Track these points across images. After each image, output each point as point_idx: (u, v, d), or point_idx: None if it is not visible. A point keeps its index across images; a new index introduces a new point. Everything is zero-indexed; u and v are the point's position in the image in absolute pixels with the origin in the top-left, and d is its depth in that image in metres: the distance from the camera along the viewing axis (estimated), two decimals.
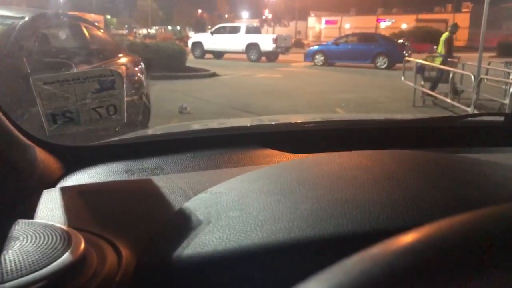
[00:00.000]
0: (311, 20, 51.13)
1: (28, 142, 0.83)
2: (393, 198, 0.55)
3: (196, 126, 1.55)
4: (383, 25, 44.29)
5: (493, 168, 0.71)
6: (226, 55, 20.89)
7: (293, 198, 0.58)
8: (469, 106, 6.61)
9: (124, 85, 0.80)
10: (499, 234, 0.27)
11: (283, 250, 0.50)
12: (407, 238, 0.27)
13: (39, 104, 0.74)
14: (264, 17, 48.73)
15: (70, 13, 6.53)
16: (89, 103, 0.78)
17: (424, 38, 30.56)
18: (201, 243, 0.54)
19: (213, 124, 1.63)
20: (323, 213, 0.53)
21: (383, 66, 17.01)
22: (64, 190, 0.76)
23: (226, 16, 54.41)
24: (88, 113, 0.79)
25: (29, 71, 3.45)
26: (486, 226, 0.28)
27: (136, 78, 5.20)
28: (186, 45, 19.80)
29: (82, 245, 0.51)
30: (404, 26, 39.29)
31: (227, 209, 0.60)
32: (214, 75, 12.85)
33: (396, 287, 0.24)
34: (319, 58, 18.33)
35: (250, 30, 21.27)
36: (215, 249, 0.52)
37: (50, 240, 0.52)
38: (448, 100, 7.56)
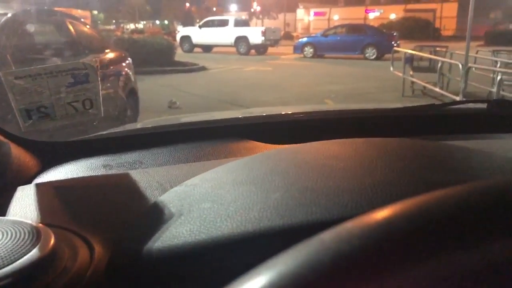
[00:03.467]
0: (300, 12, 51.03)
1: (2, 139, 0.82)
2: (362, 185, 0.55)
3: (177, 120, 1.53)
4: (371, 15, 44.31)
5: (467, 154, 0.71)
6: (215, 49, 20.82)
7: (265, 188, 0.58)
8: (457, 95, 6.65)
9: (99, 78, 0.78)
10: (457, 213, 0.27)
11: (253, 240, 0.49)
12: (384, 213, 0.28)
13: (12, 100, 0.72)
14: (252, 9, 48.59)
15: (56, 9, 6.45)
16: (64, 97, 0.77)
17: (412, 29, 30.68)
18: (171, 235, 0.53)
19: (195, 117, 1.62)
20: (293, 202, 0.53)
21: (372, 57, 17.05)
22: (38, 186, 0.75)
23: (214, 9, 54.18)
24: (63, 107, 0.78)
25: (13, 68, 3.42)
26: (444, 206, 0.28)
27: (123, 73, 5.16)
28: (175, 40, 19.70)
29: (52, 241, 0.50)
30: (393, 16, 39.33)
31: (199, 201, 0.59)
32: (203, 69, 12.80)
33: (342, 272, 0.24)
34: (309, 50, 18.33)
35: (238, 23, 21.20)
36: (185, 241, 0.51)
37: (18, 236, 0.51)
38: (437, 90, 7.60)
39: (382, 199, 0.52)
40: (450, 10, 40.14)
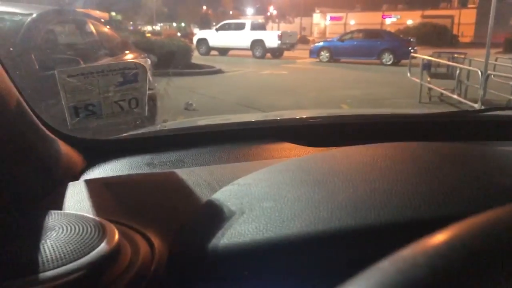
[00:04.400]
0: (316, 17, 50.90)
1: (52, 135, 0.84)
2: (432, 188, 0.55)
3: (212, 120, 1.55)
4: (388, 21, 44.05)
5: None
6: (231, 52, 20.85)
7: (329, 189, 0.58)
8: (476, 102, 6.58)
9: (147, 79, 0.80)
10: None
11: (323, 240, 0.49)
12: (443, 236, 0.27)
13: (63, 97, 0.75)
14: (269, 13, 48.59)
15: (78, 9, 6.53)
16: (111, 96, 0.79)
17: (430, 35, 30.40)
18: (237, 233, 0.53)
19: (230, 118, 1.63)
20: (361, 203, 0.53)
21: (389, 63, 16.93)
22: (88, 182, 0.77)
23: (231, 12, 54.32)
24: (110, 106, 0.80)
25: (37, 67, 3.47)
26: None
27: None
28: (191, 42, 19.77)
29: (117, 236, 0.52)
30: (409, 22, 39.06)
31: (259, 199, 0.59)
32: (219, 71, 12.84)
33: None
34: (325, 54, 18.27)
35: (255, 27, 21.21)
36: (252, 239, 0.51)
37: (84, 231, 0.52)
38: (455, 96, 7.52)
39: (454, 203, 0.52)
40: (468, 17, 39.71)
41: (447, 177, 0.59)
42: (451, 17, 40.68)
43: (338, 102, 7.96)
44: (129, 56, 5.24)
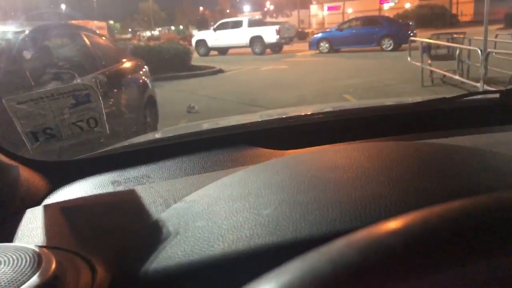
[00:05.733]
0: (313, 8, 50.74)
1: (10, 162, 0.83)
2: (352, 197, 0.55)
3: (184, 130, 1.54)
4: (386, 6, 43.72)
5: (464, 156, 0.69)
6: (230, 51, 20.86)
7: (257, 204, 0.58)
8: (478, 82, 6.51)
9: (100, 97, 0.79)
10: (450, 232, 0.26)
11: (244, 260, 0.49)
12: (360, 235, 0.27)
13: (17, 124, 0.74)
14: (266, 8, 48.55)
15: (70, 22, 6.56)
16: (67, 118, 0.78)
17: (428, 17, 30.16)
18: (167, 256, 0.53)
19: (203, 126, 1.62)
20: (283, 218, 0.53)
21: (389, 48, 16.85)
22: (47, 207, 0.76)
23: (228, 11, 54.29)
24: (68, 127, 0.79)
25: (33, 84, 3.48)
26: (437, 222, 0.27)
27: (140, 81, 5.22)
28: (190, 44, 19.81)
29: (53, 266, 0.51)
30: (407, 5, 38.75)
31: (194, 218, 0.59)
32: (220, 71, 12.85)
33: (343, 285, 0.24)
34: (324, 45, 18.23)
35: (252, 23, 21.19)
36: (179, 262, 0.52)
37: (19, 263, 0.51)
38: (457, 77, 7.46)
39: (371, 212, 0.51)
40: None
41: (371, 183, 0.58)
42: None
43: (340, 93, 7.93)
44: (126, 65, 5.25)
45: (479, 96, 1.31)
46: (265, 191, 0.61)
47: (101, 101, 0.80)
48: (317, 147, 0.99)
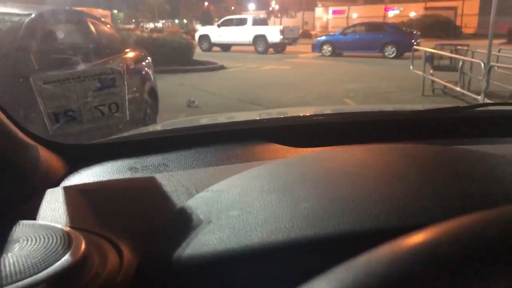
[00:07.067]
0: (318, 11, 50.74)
1: (31, 142, 0.83)
2: (394, 195, 0.54)
3: (200, 121, 1.54)
4: (391, 13, 43.84)
5: (499, 163, 0.69)
6: (233, 48, 20.84)
7: (294, 196, 0.58)
8: (479, 95, 6.53)
9: (125, 83, 0.79)
10: (504, 239, 0.27)
11: (283, 250, 0.49)
12: (413, 240, 0.27)
13: (40, 104, 0.74)
14: (271, 8, 48.51)
15: (77, 9, 6.52)
16: (90, 101, 0.78)
17: (433, 27, 30.25)
18: (201, 243, 0.53)
19: (218, 119, 1.62)
20: (323, 212, 0.53)
21: (392, 56, 16.89)
22: (67, 189, 0.76)
23: (233, 8, 54.25)
24: (90, 111, 0.79)
25: (36, 68, 3.47)
26: (491, 230, 0.27)
27: (143, 72, 5.21)
28: (193, 39, 19.78)
29: (83, 246, 0.51)
30: (412, 14, 38.84)
31: (227, 208, 0.59)
32: (221, 68, 12.83)
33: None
34: (327, 48, 18.24)
35: (257, 22, 21.17)
36: (215, 249, 0.51)
37: (50, 242, 0.52)
38: (458, 89, 7.48)
39: (413, 211, 0.51)
40: (471, 8, 39.46)
41: (411, 182, 0.58)
42: (454, 8, 40.47)
43: (341, 97, 7.94)
44: (130, 54, 5.23)
45: (492, 107, 1.31)
46: (300, 185, 0.61)
47: (126, 87, 0.80)
48: (335, 147, 1.00)
